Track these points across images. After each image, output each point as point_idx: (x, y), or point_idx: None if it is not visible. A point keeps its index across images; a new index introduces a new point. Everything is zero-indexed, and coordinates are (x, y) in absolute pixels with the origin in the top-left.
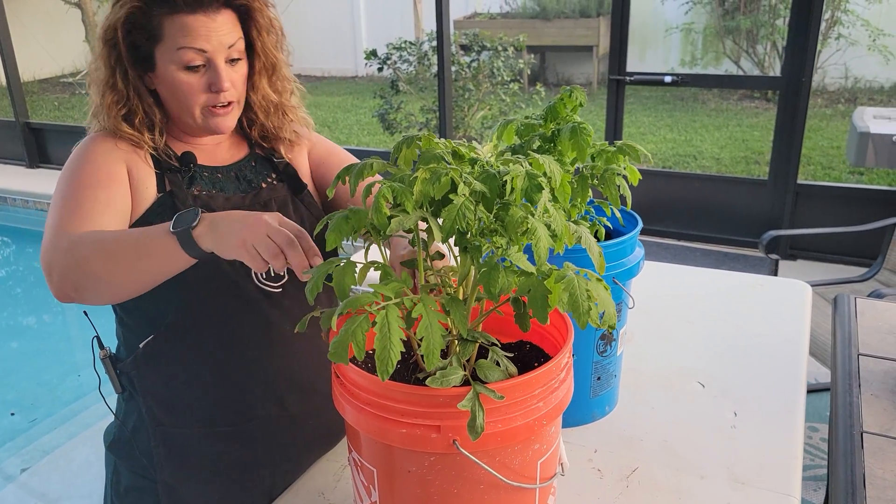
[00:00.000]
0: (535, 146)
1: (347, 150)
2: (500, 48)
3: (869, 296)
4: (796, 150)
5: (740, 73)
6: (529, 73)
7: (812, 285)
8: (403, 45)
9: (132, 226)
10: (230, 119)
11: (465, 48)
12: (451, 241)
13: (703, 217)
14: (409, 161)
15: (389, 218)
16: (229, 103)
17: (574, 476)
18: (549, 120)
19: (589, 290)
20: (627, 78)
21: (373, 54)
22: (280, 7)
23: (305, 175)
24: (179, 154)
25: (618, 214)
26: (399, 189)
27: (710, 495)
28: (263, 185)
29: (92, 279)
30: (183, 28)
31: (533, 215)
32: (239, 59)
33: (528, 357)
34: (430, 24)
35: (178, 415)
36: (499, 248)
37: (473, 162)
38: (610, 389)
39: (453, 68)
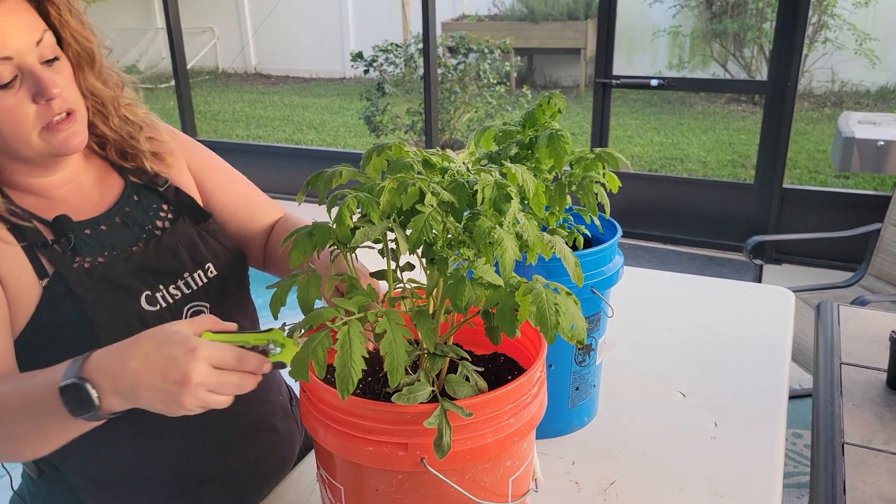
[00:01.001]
0: (512, 153)
1: (335, 152)
2: (486, 50)
3: (852, 303)
4: (782, 154)
5: (727, 76)
6: (516, 75)
7: (796, 290)
8: (389, 48)
9: (25, 330)
10: (78, 132)
11: (452, 50)
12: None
13: (689, 221)
14: (378, 170)
15: (354, 229)
16: (69, 113)
17: (551, 489)
18: (527, 126)
19: (557, 304)
20: (614, 81)
21: (359, 56)
22: (266, 8)
23: (197, 196)
24: (40, 215)
25: (597, 222)
26: (365, 199)
27: None
28: (159, 224)
29: None
30: None
31: (501, 226)
32: (56, 59)
33: (502, 370)
34: (417, 26)
35: (123, 495)
36: (466, 259)
37: (444, 171)
38: (589, 400)
39: (440, 70)
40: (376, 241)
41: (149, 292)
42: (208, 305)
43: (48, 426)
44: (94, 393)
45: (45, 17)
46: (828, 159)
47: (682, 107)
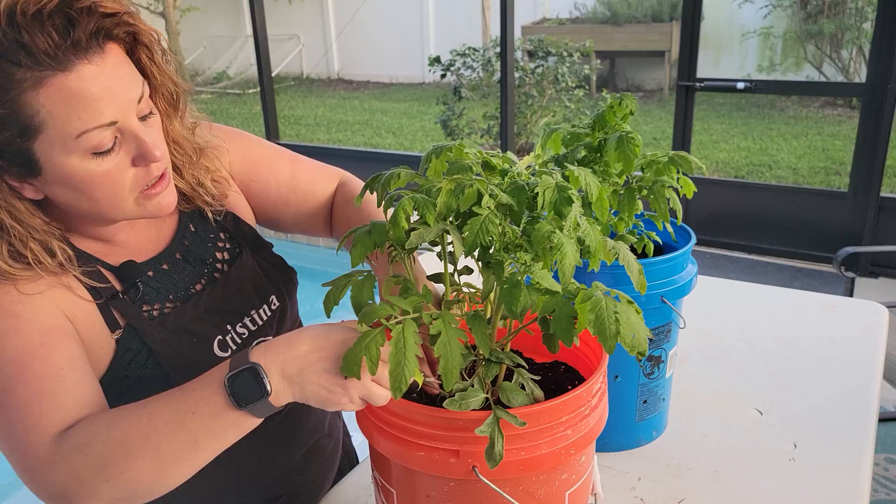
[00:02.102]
0: (580, 156)
1: (412, 156)
2: (565, 54)
3: None
4: (880, 161)
5: (822, 79)
6: (597, 78)
7: (892, 306)
8: (467, 52)
9: (100, 382)
10: (171, 192)
11: (531, 54)
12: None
13: (777, 230)
14: (439, 172)
15: (409, 231)
16: (163, 174)
17: None
18: (596, 129)
19: (618, 313)
20: (697, 84)
21: (436, 61)
22: (348, 14)
23: (250, 217)
24: (105, 260)
25: (669, 228)
26: (421, 201)
27: None
28: (219, 257)
29: (122, 488)
30: (70, 99)
31: (562, 230)
32: (151, 114)
33: (562, 379)
34: (497, 30)
35: None
36: (523, 264)
37: (504, 173)
38: (658, 414)
39: (517, 74)
40: (434, 244)
41: (220, 336)
42: (271, 338)
43: (203, 434)
44: (266, 378)
45: (138, 63)
46: None
47: (772, 111)
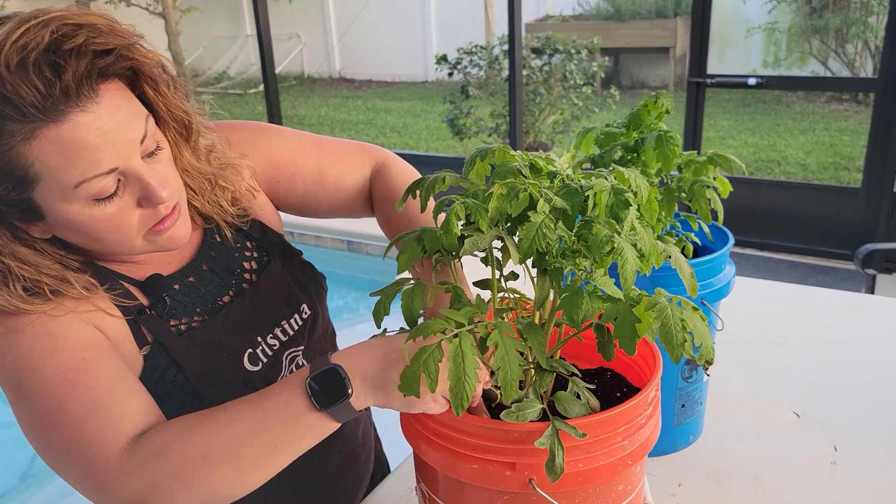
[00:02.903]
0: (616, 156)
1: (418, 155)
2: (572, 51)
3: None
4: (893, 157)
5: (828, 74)
6: (603, 75)
7: None
8: (474, 50)
9: None
10: (183, 225)
11: (537, 51)
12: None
13: (788, 226)
14: (482, 175)
15: (461, 237)
16: (173, 208)
17: None
18: (631, 128)
19: (684, 320)
20: (708, 80)
21: (443, 59)
22: (351, 14)
23: (277, 223)
24: (130, 275)
25: (705, 229)
26: (473, 206)
27: None
28: (247, 266)
29: (199, 494)
30: (65, 150)
31: (619, 234)
32: (159, 149)
33: (610, 386)
34: (500, 28)
35: None
36: (581, 270)
37: (552, 176)
38: (695, 418)
39: (524, 72)
40: (482, 250)
41: (250, 349)
42: (303, 348)
43: (283, 439)
44: (348, 379)
45: (142, 97)
46: None
47: (778, 106)
